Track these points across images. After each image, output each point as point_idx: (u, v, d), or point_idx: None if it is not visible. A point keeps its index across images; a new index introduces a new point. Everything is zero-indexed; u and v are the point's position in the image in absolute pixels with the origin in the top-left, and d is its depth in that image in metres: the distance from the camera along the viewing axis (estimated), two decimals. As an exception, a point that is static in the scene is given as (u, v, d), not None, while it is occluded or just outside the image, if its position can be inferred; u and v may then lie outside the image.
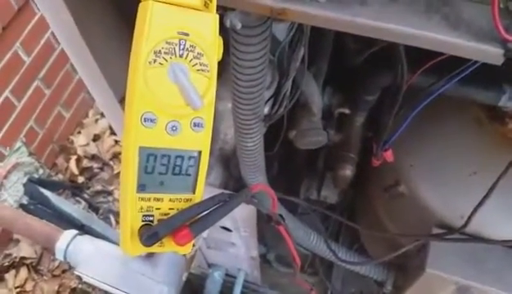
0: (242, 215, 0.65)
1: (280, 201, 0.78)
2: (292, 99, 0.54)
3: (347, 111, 0.84)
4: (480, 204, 0.60)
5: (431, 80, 0.64)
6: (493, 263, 0.71)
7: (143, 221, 0.31)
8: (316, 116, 0.58)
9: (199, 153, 0.33)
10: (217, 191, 0.67)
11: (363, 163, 0.87)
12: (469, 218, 0.61)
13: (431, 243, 0.71)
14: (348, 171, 0.81)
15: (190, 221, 0.30)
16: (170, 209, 0.31)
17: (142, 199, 0.31)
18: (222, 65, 0.46)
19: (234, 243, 0.74)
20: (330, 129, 0.85)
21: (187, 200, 0.33)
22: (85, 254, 0.64)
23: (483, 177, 0.71)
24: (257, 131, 0.53)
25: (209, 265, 0.94)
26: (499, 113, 0.74)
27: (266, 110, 0.58)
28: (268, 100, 0.58)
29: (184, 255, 0.65)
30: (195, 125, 0.32)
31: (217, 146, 0.69)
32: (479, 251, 0.72)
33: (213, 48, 0.33)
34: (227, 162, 0.71)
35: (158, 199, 0.31)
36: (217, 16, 0.34)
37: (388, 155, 0.73)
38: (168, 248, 0.31)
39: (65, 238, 0.68)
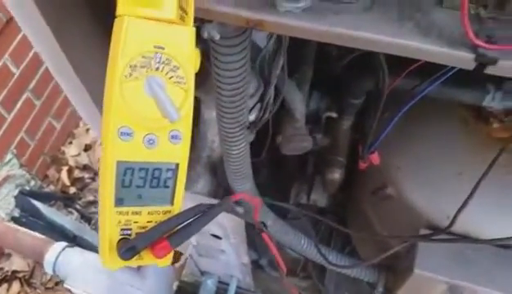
0: (230, 222, 0.66)
1: (270, 206, 0.79)
2: (275, 106, 0.54)
3: (334, 115, 0.85)
4: (464, 204, 0.61)
5: (414, 82, 0.65)
6: (482, 262, 0.72)
7: (121, 235, 0.31)
8: (299, 122, 0.58)
9: (177, 165, 0.33)
10: (206, 199, 0.67)
11: (352, 166, 0.87)
12: (454, 218, 0.61)
13: (419, 244, 0.72)
14: (336, 175, 0.82)
15: (169, 233, 0.31)
16: (148, 222, 0.32)
17: (120, 213, 0.31)
18: (208, 74, 0.47)
19: (224, 250, 0.74)
20: (318, 133, 0.85)
21: (166, 212, 0.33)
22: (74, 266, 0.63)
23: (469, 177, 0.72)
24: (241, 138, 0.54)
25: (202, 273, 0.94)
26: (483, 113, 0.75)
27: (252, 117, 0.58)
28: (253, 107, 0.58)
29: (173, 265, 0.65)
30: (172, 137, 0.33)
31: (205, 154, 0.69)
32: (468, 251, 0.72)
33: (189, 61, 0.33)
34: (215, 169, 0.71)
35: (136, 212, 0.31)
36: (194, 29, 0.34)
37: (374, 158, 0.73)
38: (146, 261, 0.31)
39: (54, 251, 0.67)
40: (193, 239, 0.73)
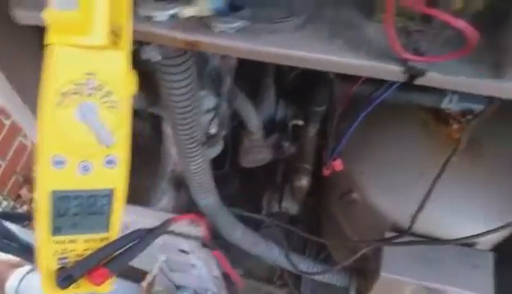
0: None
1: (240, 217, 0.79)
2: (232, 121, 0.55)
3: (300, 122, 0.86)
4: (421, 206, 0.63)
5: (371, 89, 0.66)
6: (448, 262, 0.73)
7: (59, 264, 0.31)
8: (256, 135, 0.59)
9: (113, 190, 0.33)
10: (170, 216, 0.67)
11: (320, 173, 0.88)
12: (414, 220, 0.63)
13: (385, 247, 0.73)
14: (303, 182, 0.83)
15: (107, 260, 0.30)
16: (85, 250, 0.31)
17: (57, 242, 0.31)
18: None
19: (194, 265, 0.74)
20: (286, 141, 0.86)
21: (103, 239, 0.32)
22: (37, 291, 0.62)
23: (431, 178, 0.74)
24: (198, 154, 0.54)
25: (177, 287, 0.93)
26: (443, 115, 0.77)
27: (213, 131, 0.59)
28: (212, 120, 0.58)
29: (139, 283, 0.64)
30: (107, 162, 0.33)
31: (169, 169, 0.69)
32: (434, 251, 0.74)
33: (123, 85, 0.33)
34: (180, 184, 0.71)
35: (72, 241, 0.31)
36: (128, 52, 0.34)
37: (337, 165, 0.74)
38: (85, 289, 0.31)
39: (17, 276, 0.66)
40: (162, 255, 0.72)
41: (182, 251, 0.69)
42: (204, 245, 0.40)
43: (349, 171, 0.78)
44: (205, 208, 0.66)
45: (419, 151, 0.77)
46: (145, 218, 0.60)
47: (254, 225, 0.84)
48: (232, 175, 1.05)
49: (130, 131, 0.34)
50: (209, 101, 0.56)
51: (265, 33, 0.35)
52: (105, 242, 0.32)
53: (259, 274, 1.07)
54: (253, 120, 0.57)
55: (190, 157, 0.54)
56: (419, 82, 0.35)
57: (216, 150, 0.64)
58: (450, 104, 0.71)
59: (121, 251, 0.31)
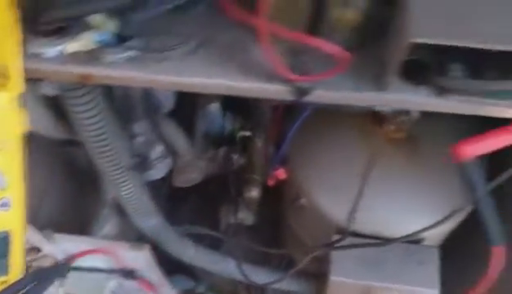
0: (138, 264, 0.65)
1: (191, 235, 0.79)
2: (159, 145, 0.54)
3: (248, 133, 0.86)
4: (355, 207, 0.64)
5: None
6: (394, 260, 0.75)
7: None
8: (186, 156, 0.59)
9: (9, 232, 0.32)
10: (113, 243, 0.66)
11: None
12: (350, 221, 0.64)
13: (333, 251, 0.74)
14: (253, 193, 0.83)
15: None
16: (-18, 297, 0.31)
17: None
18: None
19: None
20: (235, 153, 0.87)
21: (2, 283, 0.32)
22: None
23: (372, 179, 0.75)
24: (126, 180, 0.54)
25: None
26: (378, 117, 0.79)
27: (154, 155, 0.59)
28: (142, 144, 0.58)
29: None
30: (1, 205, 0.32)
31: (109, 196, 0.68)
32: (381, 251, 0.75)
33: (10, 125, 0.33)
34: (123, 210, 0.70)
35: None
36: (18, 92, 0.34)
37: (280, 173, 0.75)
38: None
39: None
40: (111, 284, 0.71)
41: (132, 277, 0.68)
42: (126, 275, 0.39)
43: (295, 177, 0.79)
44: (147, 231, 0.66)
45: (357, 152, 0.79)
46: (85, 246, 0.59)
47: (217, 240, 0.84)
48: (188, 191, 1.05)
49: (23, 171, 0.34)
50: (138, 126, 0.56)
51: (155, 62, 0.35)
52: (4, 286, 0.31)
53: (224, 287, 1.06)
54: (180, 143, 0.57)
55: (118, 183, 0.54)
56: (308, 99, 0.36)
57: (158, 172, 0.64)
58: (384, 106, 0.72)
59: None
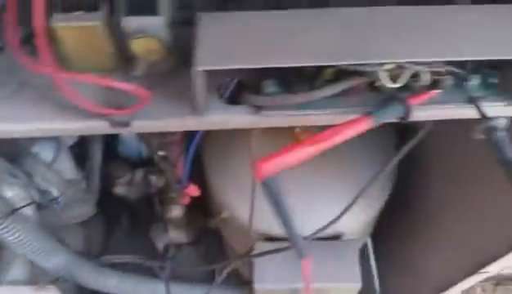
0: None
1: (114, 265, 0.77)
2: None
3: (163, 153, 0.85)
4: (252, 212, 0.64)
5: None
6: (315, 259, 0.75)
7: None
8: (64, 194, 0.57)
9: None
10: (15, 289, 0.63)
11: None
12: (250, 227, 0.64)
13: (256, 259, 0.74)
14: (175, 212, 0.83)
15: None
16: None
17: None
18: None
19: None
20: (152, 175, 0.86)
21: None
22: None
23: (287, 182, 0.76)
24: (6, 226, 0.52)
25: None
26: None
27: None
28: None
29: None
30: None
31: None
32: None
33: None
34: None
35: None
36: None
37: (192, 190, 0.75)
38: None
39: None
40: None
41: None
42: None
43: (213, 191, 0.79)
44: (54, 270, 0.64)
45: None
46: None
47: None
48: (117, 217, 1.03)
49: None
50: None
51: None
52: None
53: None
54: (52, 183, 0.55)
55: (2, 229, 0.52)
56: (128, 131, 0.35)
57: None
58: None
59: None
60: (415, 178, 0.88)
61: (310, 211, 0.76)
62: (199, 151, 0.88)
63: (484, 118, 0.32)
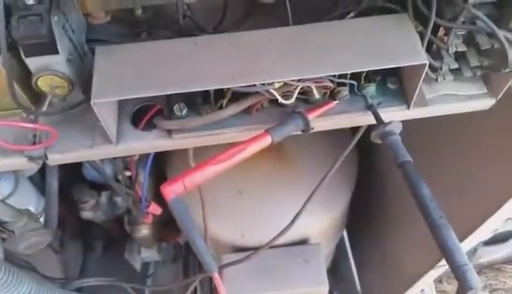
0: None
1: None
2: None
3: (128, 173, 0.86)
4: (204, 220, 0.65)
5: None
6: (281, 266, 0.77)
7: None
8: (18, 222, 0.58)
9: None
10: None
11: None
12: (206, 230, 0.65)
13: (224, 271, 0.75)
14: (143, 231, 0.83)
15: None
16: None
17: None
18: None
19: None
20: (117, 197, 0.86)
21: None
22: None
23: (249, 194, 0.77)
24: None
25: None
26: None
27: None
28: None
29: None
30: None
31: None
32: (269, 259, 0.77)
33: None
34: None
35: None
36: None
37: (154, 209, 0.76)
38: None
39: None
40: None
41: None
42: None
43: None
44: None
45: (235, 169, 0.81)
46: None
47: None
48: (93, 240, 1.04)
49: None
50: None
51: None
52: None
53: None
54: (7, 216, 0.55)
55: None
56: (54, 162, 0.36)
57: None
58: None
59: None
60: (390, 178, 0.89)
61: (275, 220, 0.77)
62: (164, 168, 0.89)
63: (379, 122, 0.33)
